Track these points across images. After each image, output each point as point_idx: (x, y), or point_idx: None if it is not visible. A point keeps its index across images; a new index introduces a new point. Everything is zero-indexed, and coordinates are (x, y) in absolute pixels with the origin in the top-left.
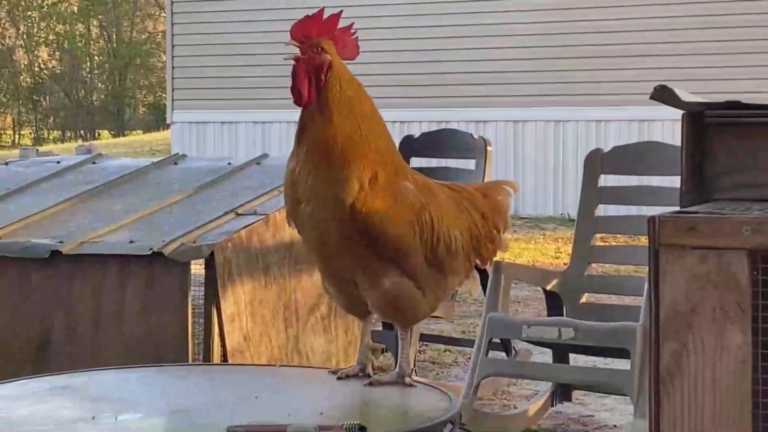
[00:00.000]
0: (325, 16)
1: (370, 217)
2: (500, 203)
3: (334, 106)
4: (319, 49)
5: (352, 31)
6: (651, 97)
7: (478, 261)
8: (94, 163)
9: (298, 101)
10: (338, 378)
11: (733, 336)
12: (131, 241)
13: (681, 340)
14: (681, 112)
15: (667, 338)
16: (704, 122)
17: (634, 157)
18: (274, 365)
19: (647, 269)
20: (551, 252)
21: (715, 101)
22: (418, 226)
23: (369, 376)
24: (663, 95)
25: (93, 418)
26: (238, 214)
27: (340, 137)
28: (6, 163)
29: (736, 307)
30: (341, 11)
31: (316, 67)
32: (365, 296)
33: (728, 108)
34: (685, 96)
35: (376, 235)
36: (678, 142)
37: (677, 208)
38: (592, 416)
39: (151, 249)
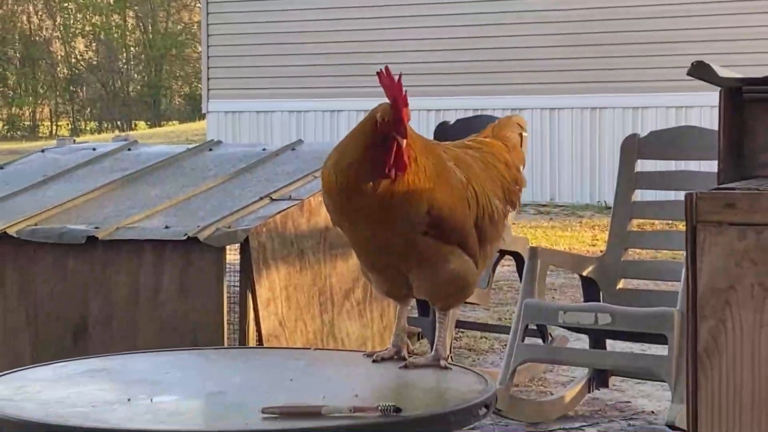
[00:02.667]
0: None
1: (442, 212)
2: (514, 140)
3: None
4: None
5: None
6: (688, 74)
7: (509, 208)
8: (129, 150)
9: (402, 171)
10: (373, 361)
11: None
12: (166, 227)
13: (719, 318)
14: (718, 98)
15: (704, 316)
16: (742, 98)
17: (671, 141)
18: (309, 348)
19: (684, 254)
20: (588, 239)
21: (753, 77)
22: (470, 202)
23: (404, 359)
24: (700, 71)
25: (129, 400)
26: (272, 200)
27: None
28: (42, 151)
29: None
30: (400, 75)
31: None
32: (422, 284)
33: (766, 83)
34: (723, 72)
35: (448, 225)
36: (716, 128)
37: None
38: (629, 402)
39: (186, 234)
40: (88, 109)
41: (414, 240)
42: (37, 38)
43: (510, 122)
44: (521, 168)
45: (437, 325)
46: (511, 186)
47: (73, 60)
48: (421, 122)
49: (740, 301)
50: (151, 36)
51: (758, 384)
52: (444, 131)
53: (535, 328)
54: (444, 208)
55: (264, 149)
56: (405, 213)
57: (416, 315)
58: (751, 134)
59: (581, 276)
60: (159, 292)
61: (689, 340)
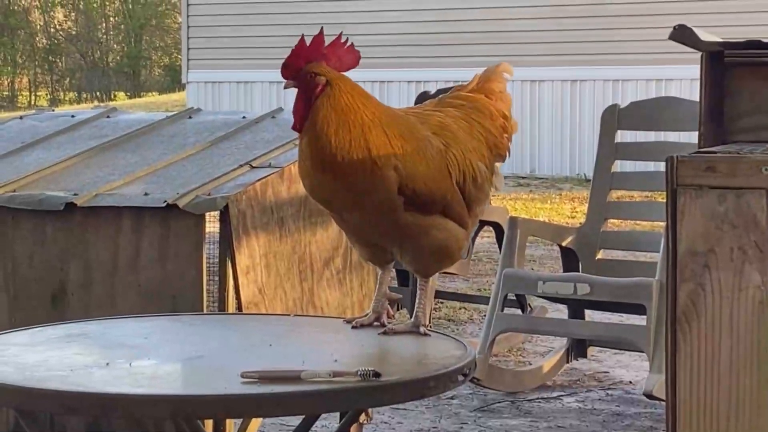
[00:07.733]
0: (309, 40)
1: (416, 186)
2: (500, 89)
3: (328, 123)
4: (312, 75)
5: (343, 41)
6: (670, 37)
7: (499, 159)
8: (108, 117)
9: (293, 127)
10: (353, 327)
11: (752, 276)
12: (146, 194)
13: (698, 281)
14: (698, 71)
15: (684, 279)
16: (724, 63)
17: (651, 112)
18: (289, 315)
19: (663, 225)
20: (567, 212)
21: (734, 41)
22: (449, 170)
23: (384, 325)
24: (682, 35)
25: (107, 364)
26: (252, 167)
27: (343, 151)
28: (21, 118)
29: (755, 247)
30: (322, 29)
31: (311, 91)
32: (406, 256)
33: (748, 48)
34: (705, 36)
35: (426, 197)
36: (695, 100)
37: None
38: (608, 372)
39: (165, 201)
40: (67, 79)
41: (395, 218)
42: (16, 7)
43: (496, 72)
44: (508, 113)
45: (418, 292)
46: (499, 138)
47: (52, 30)
48: (402, 93)
49: (719, 264)
50: (130, 6)
51: (736, 348)
52: (424, 100)
53: (514, 298)
54: (418, 182)
55: (244, 117)
56: (375, 194)
57: (395, 285)
58: (732, 98)
59: (561, 246)
60: (138, 258)
61: (668, 303)
